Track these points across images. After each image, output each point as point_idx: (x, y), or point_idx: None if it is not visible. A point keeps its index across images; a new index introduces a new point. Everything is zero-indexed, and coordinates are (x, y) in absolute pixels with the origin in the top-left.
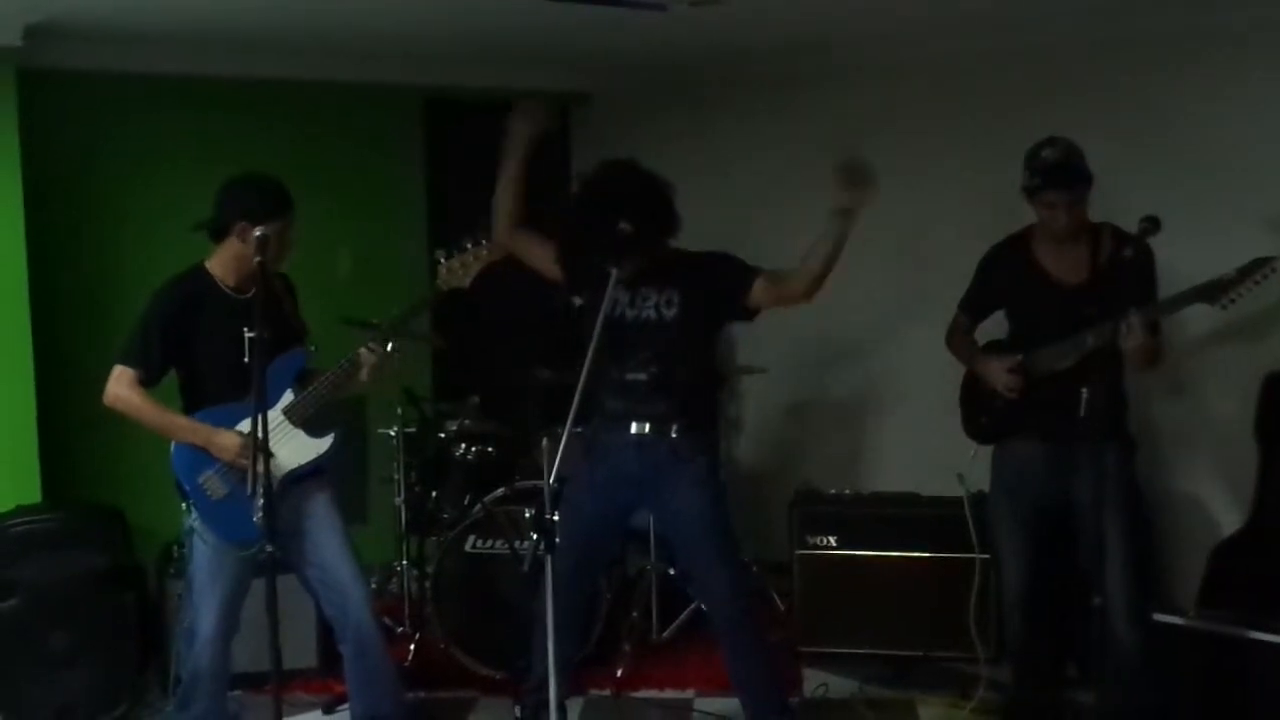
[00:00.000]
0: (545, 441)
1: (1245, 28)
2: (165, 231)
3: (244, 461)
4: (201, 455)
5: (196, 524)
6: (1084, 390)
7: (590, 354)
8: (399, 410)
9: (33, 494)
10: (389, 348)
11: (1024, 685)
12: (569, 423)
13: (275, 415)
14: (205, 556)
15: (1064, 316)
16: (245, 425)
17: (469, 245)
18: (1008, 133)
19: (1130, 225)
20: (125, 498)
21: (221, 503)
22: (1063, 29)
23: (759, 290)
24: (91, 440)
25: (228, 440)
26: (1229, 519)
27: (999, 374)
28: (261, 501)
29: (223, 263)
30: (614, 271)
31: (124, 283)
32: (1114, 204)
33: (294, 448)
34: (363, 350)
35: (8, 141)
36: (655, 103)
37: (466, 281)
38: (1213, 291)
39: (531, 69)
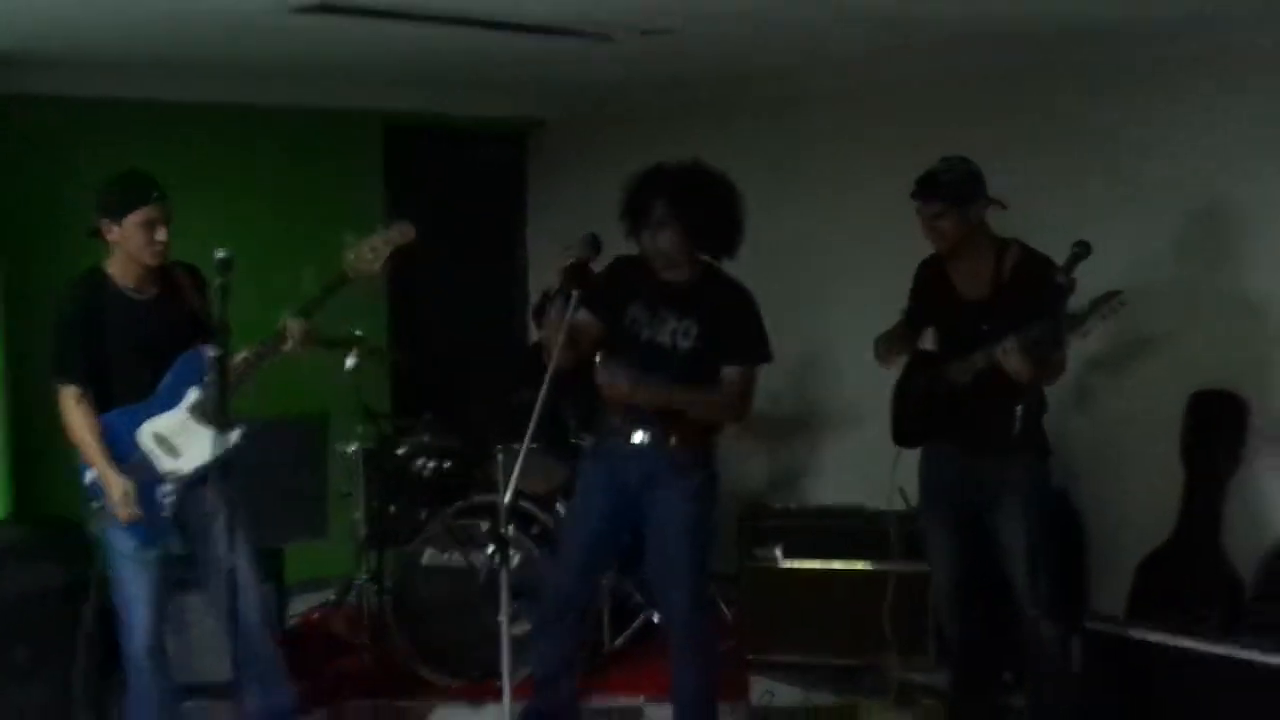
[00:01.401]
0: (501, 456)
1: (1154, 63)
2: None
3: (124, 511)
4: (116, 451)
5: (105, 530)
6: (1019, 408)
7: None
8: (358, 427)
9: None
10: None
11: (961, 688)
12: (527, 438)
13: (180, 414)
14: (125, 559)
15: (965, 331)
16: (149, 426)
17: (380, 228)
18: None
19: (1057, 242)
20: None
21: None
22: (999, 59)
23: (733, 373)
24: (56, 453)
25: (117, 487)
26: (1156, 529)
27: (892, 347)
28: (169, 499)
29: (117, 263)
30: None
31: None
32: (1041, 222)
33: (201, 444)
34: (289, 321)
35: None
36: (609, 128)
37: (377, 267)
38: (1069, 322)
39: (488, 96)
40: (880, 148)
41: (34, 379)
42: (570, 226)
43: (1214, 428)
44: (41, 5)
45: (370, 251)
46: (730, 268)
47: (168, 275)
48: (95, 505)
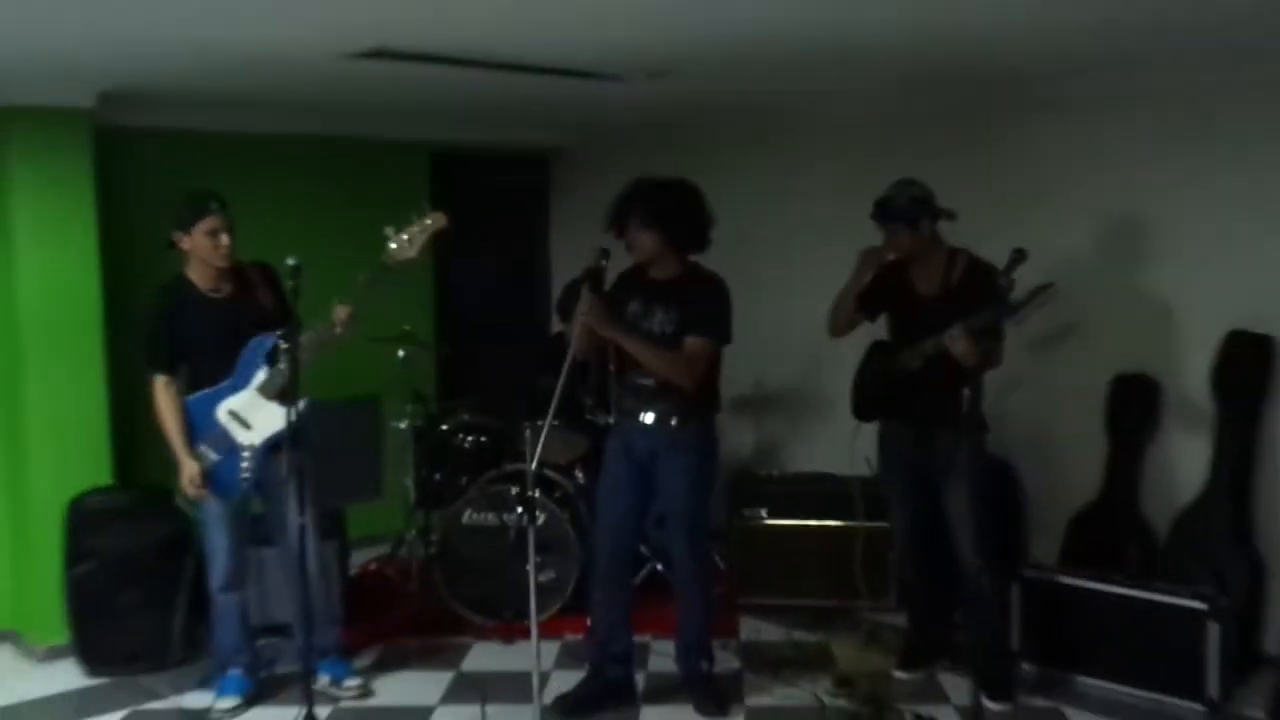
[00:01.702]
0: (528, 432)
1: (1076, 100)
2: None
3: (191, 491)
4: (196, 431)
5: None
6: (964, 389)
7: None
8: (409, 408)
9: (105, 477)
10: (353, 302)
11: (916, 625)
12: (549, 416)
13: (250, 393)
14: (213, 512)
15: (920, 323)
16: (225, 404)
17: (415, 217)
18: (903, 171)
19: (999, 249)
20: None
21: (215, 467)
22: (947, 97)
23: (690, 342)
24: (154, 430)
25: (186, 470)
26: (1083, 493)
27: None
28: (246, 465)
29: (194, 269)
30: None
31: None
32: (983, 233)
33: (269, 418)
34: (338, 307)
35: (85, 184)
36: (619, 153)
37: (414, 252)
38: (1009, 310)
39: (519, 127)
40: (844, 170)
41: (133, 369)
42: (586, 238)
43: (1132, 405)
44: (144, 52)
45: (408, 239)
46: (719, 272)
47: (240, 274)
48: None
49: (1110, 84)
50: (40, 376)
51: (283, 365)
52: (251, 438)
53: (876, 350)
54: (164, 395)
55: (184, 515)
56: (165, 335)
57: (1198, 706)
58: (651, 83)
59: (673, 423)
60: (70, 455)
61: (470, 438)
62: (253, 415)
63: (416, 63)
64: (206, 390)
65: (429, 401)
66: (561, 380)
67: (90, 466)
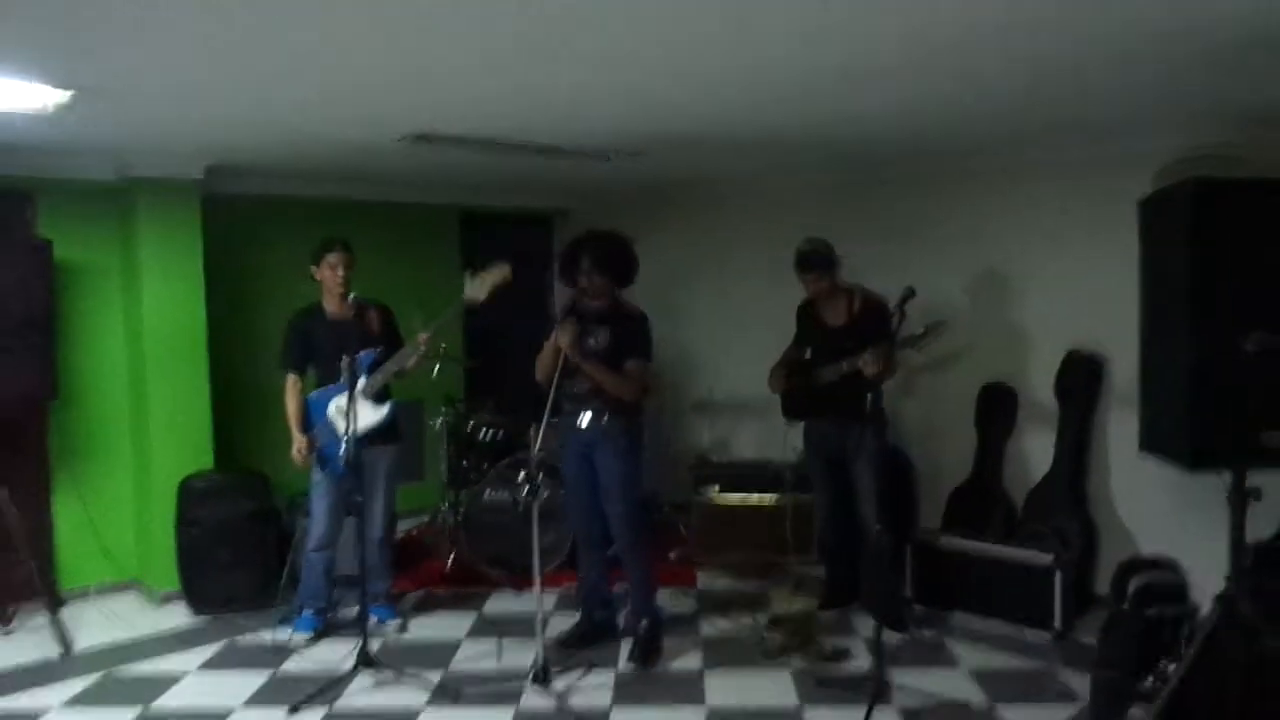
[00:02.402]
0: (532, 429)
1: (960, 174)
2: (290, 291)
3: (298, 459)
4: (314, 419)
5: (313, 459)
6: (869, 395)
7: (557, 376)
8: (443, 409)
9: (208, 462)
10: (433, 337)
11: (833, 577)
12: (545, 416)
13: (356, 394)
14: (318, 484)
15: (830, 347)
16: (334, 401)
17: (491, 263)
18: (829, 236)
19: (893, 287)
20: (267, 464)
21: (324, 447)
22: (855, 172)
23: (631, 364)
24: (246, 426)
25: (296, 443)
26: (960, 474)
27: (775, 382)
28: (345, 448)
29: (324, 296)
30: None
31: (267, 325)
32: (882, 277)
33: (365, 414)
34: (420, 334)
35: (195, 237)
36: (608, 214)
37: (483, 295)
38: (912, 341)
39: (530, 193)
40: (774, 228)
41: (231, 378)
42: None
43: (996, 407)
44: (244, 135)
45: (480, 284)
46: (672, 308)
47: (361, 307)
48: (321, 440)
49: (980, 161)
50: (159, 384)
51: (379, 376)
52: (354, 427)
53: (799, 367)
54: (291, 390)
55: (269, 492)
56: (296, 345)
57: (1046, 634)
58: (631, 160)
59: (603, 420)
60: (182, 444)
61: (490, 432)
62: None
63: (452, 145)
64: (323, 389)
65: (458, 404)
66: (553, 389)
67: (197, 453)
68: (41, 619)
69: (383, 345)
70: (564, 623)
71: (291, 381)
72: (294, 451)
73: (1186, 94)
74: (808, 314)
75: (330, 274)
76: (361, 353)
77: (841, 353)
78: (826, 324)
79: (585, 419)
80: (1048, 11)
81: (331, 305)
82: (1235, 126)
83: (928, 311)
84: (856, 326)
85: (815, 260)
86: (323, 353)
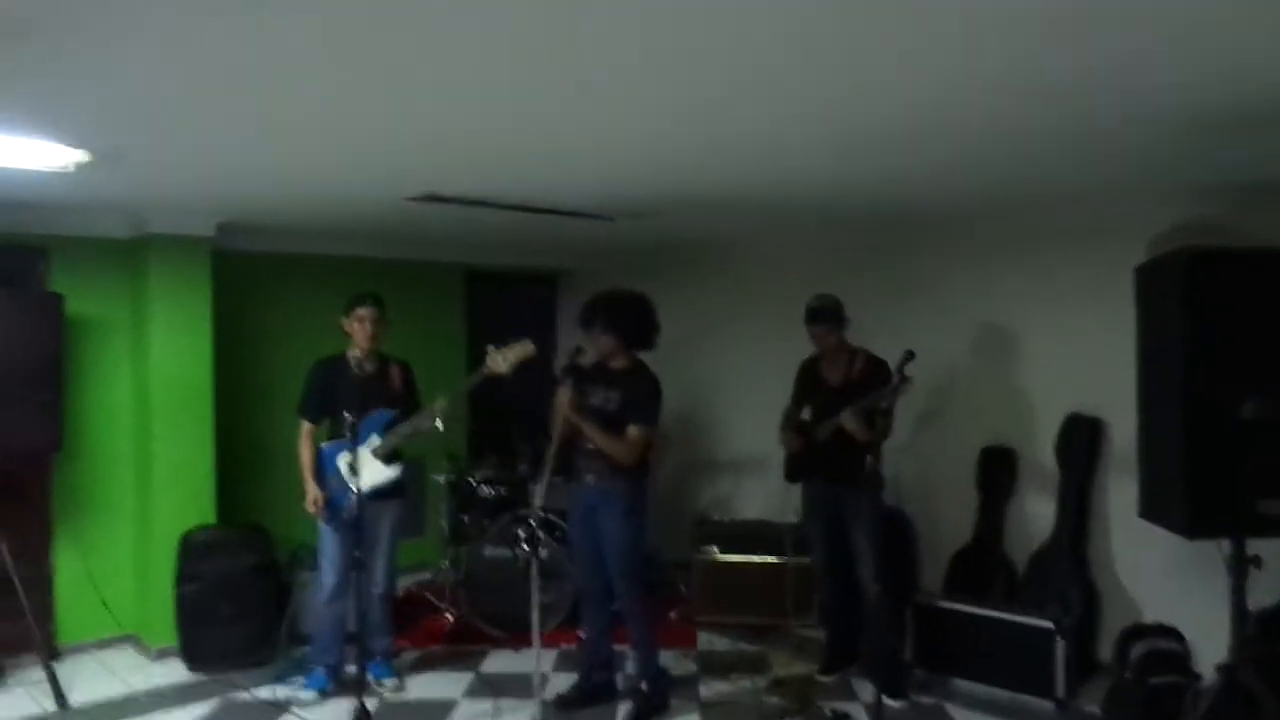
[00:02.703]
0: (534, 485)
1: (961, 236)
2: (297, 348)
3: (311, 509)
4: (325, 469)
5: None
6: (869, 456)
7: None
8: (445, 465)
9: (210, 515)
10: (450, 405)
11: (832, 638)
12: (545, 475)
13: (364, 451)
14: (327, 535)
15: (828, 406)
16: (343, 456)
17: (513, 341)
18: (829, 289)
19: (888, 346)
20: (269, 518)
21: (334, 497)
22: (856, 235)
23: (631, 430)
24: (249, 480)
25: (310, 493)
26: (960, 535)
27: (788, 441)
28: (350, 503)
29: (353, 347)
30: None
31: (271, 381)
32: (894, 336)
33: (373, 472)
34: (436, 405)
35: (204, 292)
36: (610, 272)
37: (505, 369)
38: (878, 397)
39: (536, 253)
40: (778, 287)
41: (234, 431)
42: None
43: (996, 469)
44: (254, 194)
45: (502, 359)
46: (675, 368)
47: (384, 363)
48: (331, 488)
49: (983, 224)
50: (164, 438)
51: (393, 437)
52: (358, 484)
53: (799, 429)
54: (305, 438)
55: (271, 546)
56: (315, 393)
57: (1048, 703)
58: (633, 222)
59: (607, 481)
60: (184, 498)
61: (491, 489)
62: (363, 468)
63: (457, 205)
64: (337, 442)
65: (460, 461)
66: (553, 447)
67: (199, 507)
68: (37, 673)
69: (401, 405)
70: (563, 682)
71: (307, 430)
72: (308, 502)
73: (1179, 166)
74: (809, 372)
75: (359, 328)
76: (377, 411)
77: (835, 412)
78: (826, 383)
79: (591, 476)
80: (1041, 87)
81: (355, 358)
82: (1229, 197)
83: (929, 374)
84: (854, 386)
85: (824, 314)
86: (342, 404)
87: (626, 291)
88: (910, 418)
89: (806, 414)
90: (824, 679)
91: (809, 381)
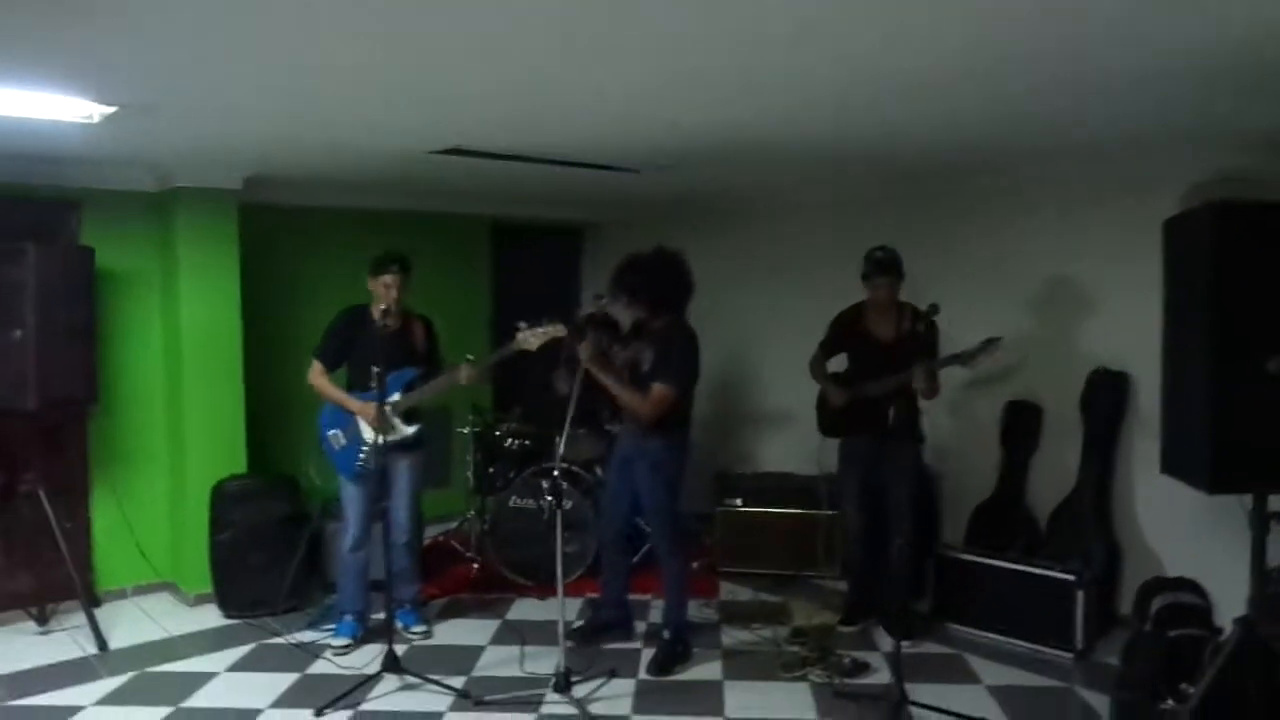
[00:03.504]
0: (557, 438)
1: (1014, 189)
2: (324, 300)
3: (371, 421)
4: (334, 420)
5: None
6: (891, 409)
7: (575, 391)
8: (470, 417)
9: (241, 466)
10: (475, 373)
11: (855, 590)
12: (566, 426)
13: (385, 406)
14: (349, 494)
15: (878, 361)
16: (338, 428)
17: (544, 321)
18: (860, 250)
19: (923, 304)
20: (299, 468)
21: (341, 450)
22: (906, 187)
23: (656, 388)
24: (279, 431)
25: (368, 410)
26: (983, 489)
27: (837, 396)
28: (365, 452)
29: (375, 302)
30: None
31: (300, 332)
32: (924, 293)
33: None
34: (463, 366)
35: (231, 245)
36: (637, 226)
37: (534, 346)
38: (964, 357)
39: (562, 205)
40: (813, 243)
41: (264, 383)
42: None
43: (1020, 424)
44: (283, 147)
45: (534, 336)
46: (711, 324)
47: (408, 319)
48: (325, 449)
49: (1010, 178)
50: (195, 388)
51: (413, 395)
52: (373, 437)
53: (836, 381)
54: (321, 375)
55: (301, 496)
56: (336, 340)
57: (1067, 654)
58: (660, 174)
59: (642, 433)
60: (216, 448)
61: (516, 441)
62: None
63: (483, 158)
64: (355, 392)
65: (486, 413)
66: (572, 401)
67: (231, 457)
68: (78, 617)
69: (422, 362)
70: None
71: (318, 369)
72: (368, 416)
73: (1213, 119)
74: (850, 325)
75: (381, 290)
76: (408, 369)
77: (888, 368)
78: (873, 336)
79: (628, 427)
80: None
81: (379, 312)
82: (1263, 150)
83: (953, 326)
84: (905, 342)
85: (890, 264)
86: (362, 356)
87: (651, 255)
88: (953, 378)
89: (837, 366)
90: (845, 629)
91: (850, 335)
